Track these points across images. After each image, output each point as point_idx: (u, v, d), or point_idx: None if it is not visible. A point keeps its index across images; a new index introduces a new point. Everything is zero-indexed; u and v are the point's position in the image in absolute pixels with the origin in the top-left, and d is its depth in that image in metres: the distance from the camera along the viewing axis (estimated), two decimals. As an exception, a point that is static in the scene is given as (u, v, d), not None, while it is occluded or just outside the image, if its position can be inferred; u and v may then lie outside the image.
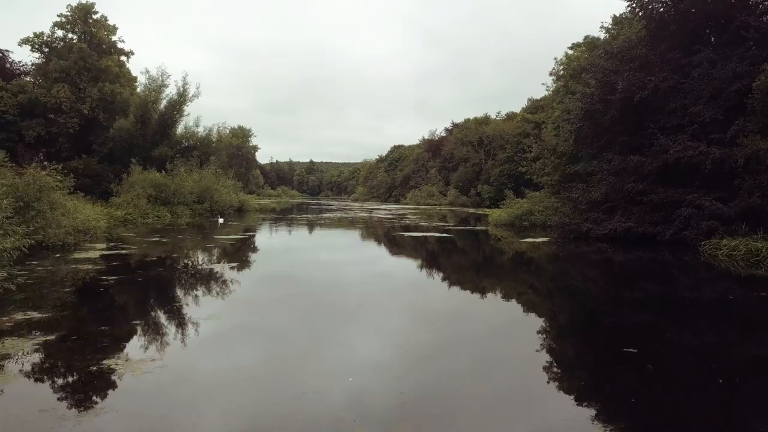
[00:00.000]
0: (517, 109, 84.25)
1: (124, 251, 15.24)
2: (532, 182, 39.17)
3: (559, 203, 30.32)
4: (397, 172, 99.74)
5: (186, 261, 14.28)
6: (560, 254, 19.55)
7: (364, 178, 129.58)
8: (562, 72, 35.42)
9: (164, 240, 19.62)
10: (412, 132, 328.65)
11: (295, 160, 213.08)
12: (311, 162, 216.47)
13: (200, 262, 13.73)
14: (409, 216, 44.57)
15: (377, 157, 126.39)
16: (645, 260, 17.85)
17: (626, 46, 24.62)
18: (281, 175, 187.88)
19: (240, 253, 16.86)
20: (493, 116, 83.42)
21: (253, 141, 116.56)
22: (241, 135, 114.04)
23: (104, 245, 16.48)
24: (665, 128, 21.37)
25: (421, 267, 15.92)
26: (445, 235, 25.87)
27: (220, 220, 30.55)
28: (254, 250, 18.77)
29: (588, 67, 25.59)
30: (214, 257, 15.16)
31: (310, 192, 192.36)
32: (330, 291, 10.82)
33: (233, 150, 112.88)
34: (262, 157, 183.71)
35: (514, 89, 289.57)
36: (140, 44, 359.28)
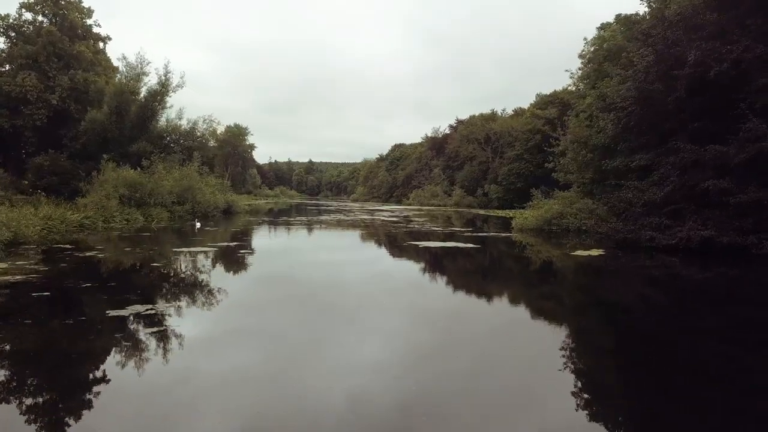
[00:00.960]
0: (523, 106, 79.54)
1: (20, 277, 10.33)
2: (557, 181, 34.37)
3: (595, 205, 25.59)
4: (399, 172, 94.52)
5: (88, 299, 9.30)
6: (655, 278, 14.68)
7: (364, 177, 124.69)
8: (592, 54, 30.51)
9: (101, 255, 14.66)
10: (412, 132, 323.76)
11: (294, 160, 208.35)
12: (310, 162, 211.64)
13: (103, 307, 8.60)
14: (415, 219, 39.69)
15: (378, 156, 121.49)
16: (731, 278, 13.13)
17: (689, 13, 19.74)
18: (279, 175, 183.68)
19: (193, 284, 11.93)
20: (499, 113, 78.59)
21: (250, 140, 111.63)
22: (238, 133, 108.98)
23: (5, 265, 11.61)
24: (753, 109, 16.52)
25: (456, 299, 11.06)
26: (469, 245, 20.84)
27: (197, 225, 25.68)
28: (219, 275, 13.88)
29: (642, 38, 20.70)
30: (137, 294, 10.09)
31: (309, 192, 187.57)
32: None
33: (229, 149, 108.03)
34: (261, 157, 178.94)
35: (515, 89, 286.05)
36: (140, 44, 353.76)
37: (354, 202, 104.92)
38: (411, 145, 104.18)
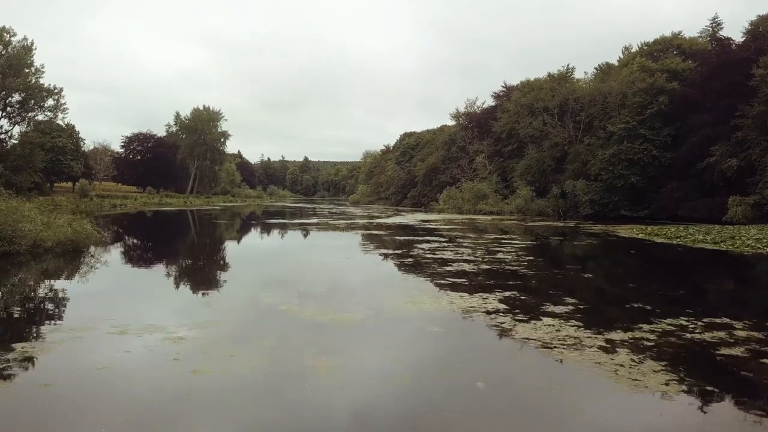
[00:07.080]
0: (611, 62, 50.97)
1: None
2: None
3: None
4: (417, 163, 65.06)
5: None
6: None
7: (367, 174, 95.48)
8: None
9: None
10: (416, 130, 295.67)
11: (292, 159, 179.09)
12: (306, 160, 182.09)
13: None
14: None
15: (384, 148, 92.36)
16: None
17: None
18: (271, 173, 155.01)
19: None
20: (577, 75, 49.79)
21: (224, 126, 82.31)
22: (207, 118, 79.82)
23: None
24: None
25: None
26: None
27: None
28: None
29: None
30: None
31: (305, 192, 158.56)
32: None
33: (195, 137, 79.19)
34: (254, 156, 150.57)
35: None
36: (136, 39, 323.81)
37: (354, 205, 76.00)
38: (428, 131, 75.14)
